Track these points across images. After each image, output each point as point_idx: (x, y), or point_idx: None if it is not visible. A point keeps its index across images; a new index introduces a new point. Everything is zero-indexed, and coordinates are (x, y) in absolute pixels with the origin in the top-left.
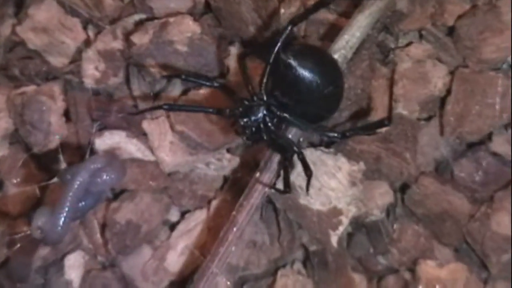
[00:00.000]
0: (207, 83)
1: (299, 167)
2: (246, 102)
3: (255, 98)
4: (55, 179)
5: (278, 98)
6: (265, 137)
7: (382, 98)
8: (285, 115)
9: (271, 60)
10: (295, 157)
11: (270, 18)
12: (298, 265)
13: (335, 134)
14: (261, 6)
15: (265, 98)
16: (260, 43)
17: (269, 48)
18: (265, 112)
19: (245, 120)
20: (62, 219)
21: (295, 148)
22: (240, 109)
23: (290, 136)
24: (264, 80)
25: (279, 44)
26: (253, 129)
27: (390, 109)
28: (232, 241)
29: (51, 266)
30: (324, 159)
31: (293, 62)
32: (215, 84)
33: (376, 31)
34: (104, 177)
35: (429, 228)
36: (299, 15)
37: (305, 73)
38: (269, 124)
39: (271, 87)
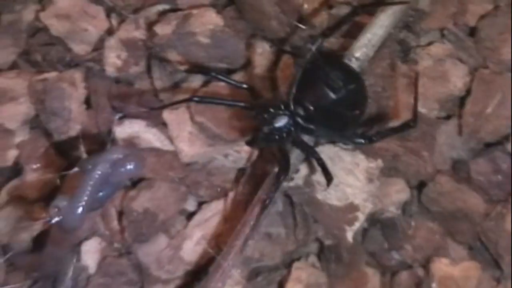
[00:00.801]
0: (236, 84)
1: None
2: (272, 110)
3: (281, 106)
4: (75, 169)
5: (306, 108)
6: (284, 144)
7: (402, 96)
8: (311, 126)
9: (301, 71)
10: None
11: (292, 13)
12: (312, 258)
13: (362, 141)
14: (284, 0)
15: (292, 107)
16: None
17: (299, 58)
18: (291, 122)
19: (269, 128)
20: (81, 208)
21: (315, 154)
22: (266, 115)
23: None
24: (293, 91)
25: (309, 55)
26: (276, 137)
27: (415, 110)
28: (248, 234)
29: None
30: (342, 155)
31: (323, 73)
32: (244, 86)
33: (397, 29)
34: (125, 167)
35: (444, 226)
36: (330, 27)
37: (334, 84)
38: (293, 133)
39: (299, 96)
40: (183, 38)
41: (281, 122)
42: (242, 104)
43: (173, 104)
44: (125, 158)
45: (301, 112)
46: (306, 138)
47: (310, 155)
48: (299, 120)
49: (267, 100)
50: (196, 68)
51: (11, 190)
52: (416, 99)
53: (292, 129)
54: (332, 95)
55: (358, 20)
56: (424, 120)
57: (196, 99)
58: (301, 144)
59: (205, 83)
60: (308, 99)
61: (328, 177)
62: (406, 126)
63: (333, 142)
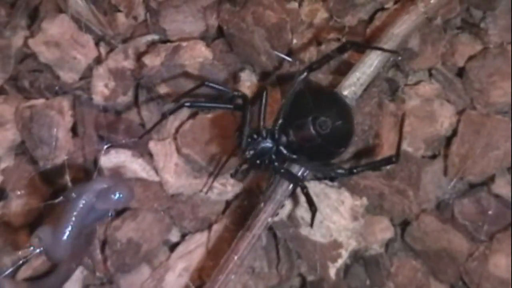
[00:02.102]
0: (228, 91)
1: (302, 197)
2: (256, 136)
3: (264, 133)
4: (60, 198)
5: (289, 138)
6: (268, 169)
7: (389, 134)
8: (294, 156)
9: (286, 101)
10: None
11: (282, 49)
12: None
13: (342, 171)
14: (274, 36)
15: (276, 136)
16: (279, 76)
17: (285, 90)
18: (273, 150)
19: (251, 153)
20: (65, 237)
21: (300, 183)
22: (249, 139)
23: (294, 169)
24: (279, 119)
25: (294, 87)
26: (258, 162)
27: (399, 147)
28: (232, 269)
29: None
30: (328, 192)
31: (307, 106)
32: (235, 93)
33: (386, 68)
34: (115, 196)
35: (427, 265)
36: (316, 61)
37: (319, 116)
38: (275, 161)
39: (285, 126)
40: (172, 70)
41: (263, 148)
42: (230, 107)
43: (164, 118)
44: (115, 187)
45: (284, 141)
46: (295, 169)
47: (296, 184)
48: (282, 148)
49: (253, 127)
50: (183, 94)
51: None
52: (400, 136)
53: (274, 156)
54: (318, 134)
55: (347, 58)
56: (410, 159)
57: (187, 104)
58: (286, 173)
59: (192, 115)
60: (293, 130)
61: (313, 208)
62: (387, 161)
63: (318, 178)
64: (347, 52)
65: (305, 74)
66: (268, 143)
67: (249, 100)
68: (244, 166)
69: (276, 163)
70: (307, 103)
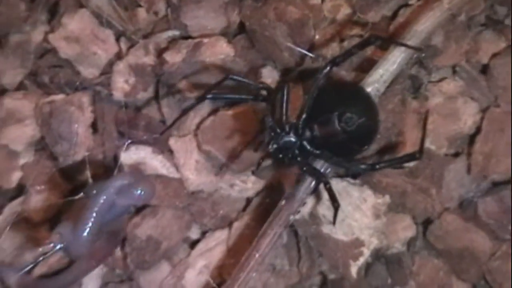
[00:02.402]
0: (253, 84)
1: (323, 195)
2: (279, 131)
3: (287, 128)
4: (80, 195)
5: (313, 133)
6: (290, 164)
7: (412, 132)
8: (317, 152)
9: (310, 96)
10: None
11: (304, 45)
12: None
13: (365, 167)
14: (296, 32)
15: (300, 131)
16: (301, 72)
17: (307, 86)
18: (297, 145)
19: (274, 147)
20: (85, 234)
21: (323, 179)
22: (272, 134)
23: (317, 165)
24: (303, 116)
25: (317, 82)
26: (280, 156)
27: (422, 143)
28: (253, 267)
29: None
30: (350, 190)
31: (332, 101)
32: (260, 86)
33: (409, 65)
34: (135, 193)
35: (449, 264)
36: (340, 56)
37: (345, 112)
38: (298, 156)
39: (307, 121)
40: (193, 67)
41: (287, 143)
42: (255, 98)
43: (186, 112)
44: (136, 183)
45: (308, 136)
46: (318, 165)
47: (319, 180)
48: (305, 143)
49: (277, 119)
50: (208, 89)
51: (15, 211)
52: (424, 133)
53: (297, 151)
54: (343, 130)
55: (370, 55)
56: (433, 157)
57: (209, 96)
58: (310, 169)
59: (213, 111)
60: (318, 126)
61: (335, 204)
62: (410, 158)
63: (340, 176)
64: (371, 46)
65: (328, 68)
66: (292, 138)
67: (273, 93)
68: (267, 162)
69: (299, 158)
70: (332, 98)
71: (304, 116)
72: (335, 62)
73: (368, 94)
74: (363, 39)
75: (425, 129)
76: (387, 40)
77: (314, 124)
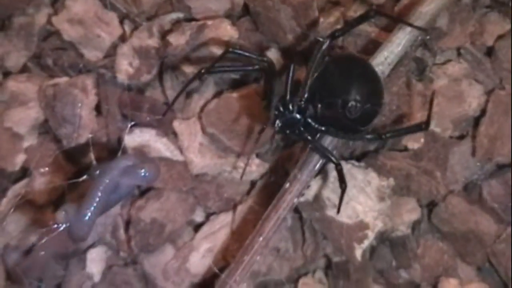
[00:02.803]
0: (256, 57)
1: (328, 178)
2: (282, 109)
3: (290, 106)
4: (84, 177)
5: (317, 111)
6: (299, 140)
7: (417, 114)
8: (322, 128)
9: (311, 72)
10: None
11: (308, 27)
12: (319, 274)
13: (371, 137)
14: (300, 14)
15: (303, 109)
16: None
17: (309, 60)
18: (301, 122)
19: (279, 125)
20: (88, 217)
21: (333, 159)
22: (276, 112)
23: (326, 144)
24: (305, 94)
25: (318, 56)
26: (287, 132)
27: (430, 115)
28: (257, 250)
29: (73, 259)
30: (354, 172)
31: (334, 73)
32: (264, 59)
33: (414, 47)
34: (140, 173)
35: (454, 246)
36: (340, 29)
37: (349, 100)
38: (304, 132)
39: (310, 99)
40: (197, 49)
41: (291, 120)
42: (256, 68)
43: (184, 88)
44: (142, 164)
45: (312, 113)
46: (327, 141)
47: (329, 159)
48: (310, 121)
49: (281, 98)
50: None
51: (20, 194)
52: (431, 105)
53: (302, 129)
54: (346, 117)
55: (375, 36)
56: (437, 140)
57: (203, 70)
58: (319, 147)
59: (217, 93)
60: (321, 106)
61: (343, 185)
62: (417, 128)
63: (345, 158)
64: (369, 20)
65: (327, 42)
66: (296, 115)
67: (275, 67)
68: (271, 145)
69: (306, 135)
70: (337, 77)
71: (306, 94)
72: (334, 35)
73: (374, 73)
74: (362, 13)
75: (432, 103)
76: (386, 15)
77: (317, 102)
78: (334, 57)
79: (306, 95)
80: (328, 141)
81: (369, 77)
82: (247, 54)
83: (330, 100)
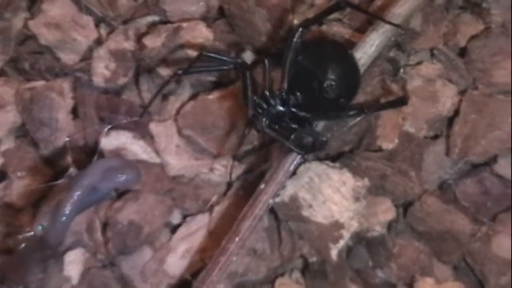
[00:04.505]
0: (229, 60)
1: (303, 178)
2: (265, 105)
3: (272, 101)
4: (62, 180)
5: (298, 97)
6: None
7: (391, 116)
8: (308, 115)
9: (287, 62)
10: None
11: (283, 29)
12: (296, 274)
13: (353, 112)
14: (275, 17)
15: (285, 99)
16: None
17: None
18: (288, 114)
19: (267, 122)
20: (64, 222)
21: (324, 139)
22: (260, 110)
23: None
24: (285, 85)
25: (292, 45)
26: (277, 127)
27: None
28: (233, 250)
29: (50, 261)
30: (329, 173)
31: (307, 58)
32: (238, 61)
33: (387, 48)
34: (121, 177)
35: (430, 246)
36: (311, 18)
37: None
38: (292, 123)
39: (290, 89)
40: (173, 51)
41: (277, 113)
42: (231, 67)
43: (160, 90)
44: (122, 168)
45: (294, 103)
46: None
47: (316, 139)
48: (294, 110)
49: (260, 94)
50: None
51: None
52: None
53: (287, 120)
54: (326, 98)
55: (349, 37)
56: (412, 140)
57: (180, 72)
58: (309, 130)
59: (193, 96)
60: (301, 93)
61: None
62: (399, 102)
63: (320, 159)
64: (340, 11)
65: (299, 31)
66: (280, 108)
67: (250, 68)
68: (247, 146)
69: (293, 125)
70: (309, 62)
71: (285, 85)
72: (306, 25)
73: (345, 51)
74: (332, 3)
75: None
76: (357, 8)
77: (297, 92)
78: (305, 43)
79: (285, 86)
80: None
81: (341, 55)
82: (220, 57)
83: (307, 85)
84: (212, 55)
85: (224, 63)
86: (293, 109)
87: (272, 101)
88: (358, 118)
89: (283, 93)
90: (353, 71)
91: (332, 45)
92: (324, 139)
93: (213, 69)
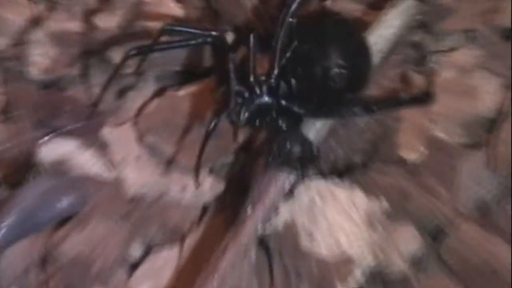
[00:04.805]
0: (202, 33)
1: (302, 199)
2: (247, 94)
3: (257, 88)
4: None
5: (291, 86)
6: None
7: (415, 118)
8: (301, 110)
9: (279, 41)
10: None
11: (273, 3)
12: None
13: (358, 110)
14: None
15: (274, 88)
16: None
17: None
18: (275, 107)
19: (246, 115)
20: None
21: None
22: (240, 98)
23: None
24: (275, 69)
25: (287, 19)
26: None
27: (431, 84)
28: None
29: None
30: (336, 192)
31: (307, 37)
32: (213, 33)
33: (411, 30)
34: (60, 201)
35: (464, 284)
36: None
37: (324, 48)
38: (278, 120)
39: (282, 74)
40: (132, 34)
41: (261, 106)
42: (201, 41)
43: (110, 80)
44: (61, 189)
45: (285, 92)
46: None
47: (307, 149)
48: (284, 102)
49: (243, 80)
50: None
51: None
52: (432, 75)
53: (274, 114)
54: (329, 88)
55: (360, 16)
56: (442, 149)
57: (133, 52)
58: (298, 135)
59: (160, 91)
60: (296, 80)
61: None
62: (422, 99)
63: (323, 174)
64: None
65: (296, 2)
66: (266, 99)
67: (228, 44)
68: (227, 158)
69: (280, 123)
70: (311, 41)
71: (276, 70)
72: None
73: (353, 29)
74: None
75: (432, 75)
76: None
77: (291, 79)
78: (304, 17)
79: (275, 71)
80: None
81: (350, 34)
82: (189, 29)
83: (306, 71)
84: (178, 28)
85: (195, 37)
86: (283, 101)
87: (257, 89)
88: (365, 118)
89: (272, 80)
90: (366, 57)
91: (338, 23)
92: (315, 149)
93: (178, 45)
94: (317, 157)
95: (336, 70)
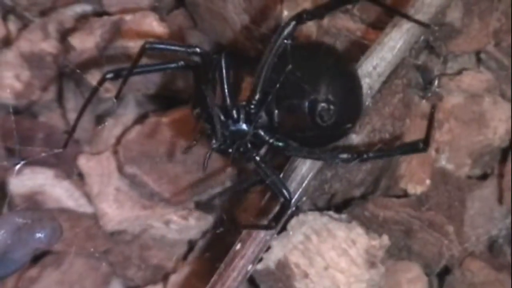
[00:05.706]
0: (185, 50)
1: (296, 236)
2: (222, 117)
3: (234, 113)
4: None
5: (273, 119)
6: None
7: None
8: (280, 144)
9: (266, 64)
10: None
11: (268, 23)
12: None
13: (346, 156)
14: (255, 6)
15: (252, 116)
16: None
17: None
18: (249, 135)
19: (219, 141)
20: None
21: (285, 193)
22: (215, 124)
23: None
24: (256, 95)
25: (278, 44)
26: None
27: (429, 131)
28: None
29: None
30: (333, 228)
31: (297, 67)
32: (197, 50)
33: (415, 51)
34: (33, 237)
35: None
36: (310, 11)
37: (319, 102)
38: (251, 150)
39: (263, 102)
40: (111, 55)
41: (235, 133)
42: (178, 65)
43: (86, 105)
44: (34, 223)
45: (265, 122)
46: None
47: (279, 192)
48: (261, 132)
49: (220, 102)
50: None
51: None
52: (431, 118)
53: (249, 145)
54: (316, 125)
55: (361, 36)
56: (450, 181)
57: (109, 75)
58: (268, 174)
59: (141, 117)
60: (279, 111)
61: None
62: (413, 147)
63: (319, 208)
64: (352, 4)
65: (291, 25)
66: (242, 126)
67: (211, 60)
68: (215, 189)
69: (254, 155)
70: (300, 71)
71: (257, 95)
72: (302, 17)
73: (348, 64)
74: None
75: (432, 117)
76: (375, 1)
77: (273, 107)
78: (296, 46)
79: (257, 97)
80: (305, 169)
81: (343, 69)
82: (172, 47)
83: (291, 102)
84: (160, 46)
85: (178, 55)
86: (261, 132)
87: (234, 113)
88: (351, 164)
89: (252, 106)
90: (357, 93)
91: (332, 56)
92: (286, 194)
93: (156, 68)
94: (287, 204)
95: (324, 105)
